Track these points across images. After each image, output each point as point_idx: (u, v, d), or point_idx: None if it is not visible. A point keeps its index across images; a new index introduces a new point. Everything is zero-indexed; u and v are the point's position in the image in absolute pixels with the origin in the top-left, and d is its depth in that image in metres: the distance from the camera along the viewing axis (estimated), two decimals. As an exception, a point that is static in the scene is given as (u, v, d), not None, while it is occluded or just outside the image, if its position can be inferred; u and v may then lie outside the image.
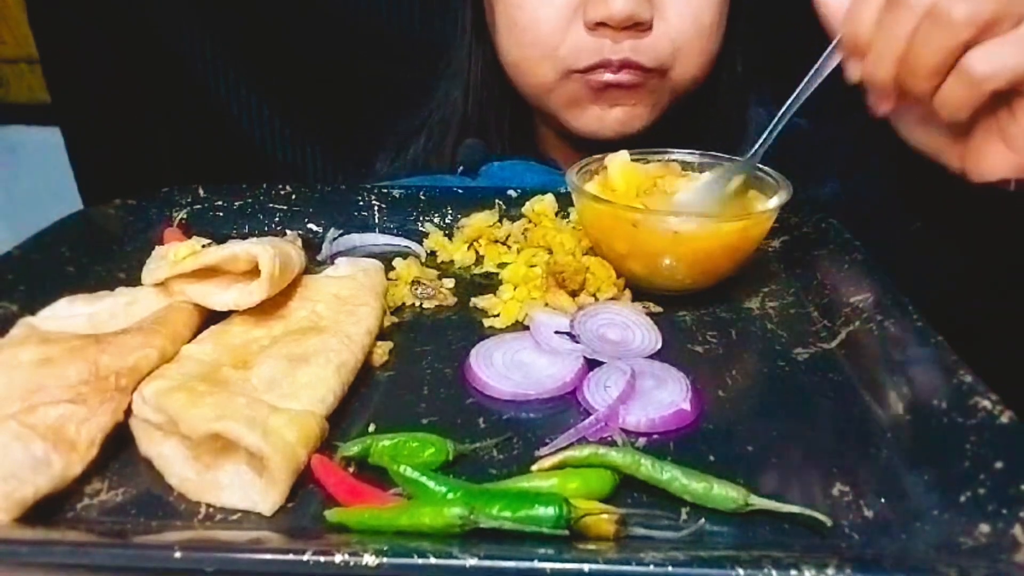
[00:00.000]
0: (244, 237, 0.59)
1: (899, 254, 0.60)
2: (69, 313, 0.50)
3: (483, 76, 0.81)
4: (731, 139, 0.75)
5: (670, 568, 0.31)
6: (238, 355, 0.46)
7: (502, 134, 0.83)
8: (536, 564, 0.31)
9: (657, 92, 0.72)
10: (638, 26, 0.67)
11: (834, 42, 0.50)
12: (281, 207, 0.70)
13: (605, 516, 0.35)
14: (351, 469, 0.40)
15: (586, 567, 0.31)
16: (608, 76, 0.69)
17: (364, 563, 0.31)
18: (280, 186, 0.71)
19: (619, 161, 0.61)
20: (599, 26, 0.67)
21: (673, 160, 0.63)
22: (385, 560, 0.31)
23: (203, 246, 0.53)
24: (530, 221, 0.67)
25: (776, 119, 0.55)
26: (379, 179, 0.86)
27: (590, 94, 0.71)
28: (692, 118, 0.76)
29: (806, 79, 0.53)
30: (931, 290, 0.53)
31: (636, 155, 0.63)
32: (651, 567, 0.31)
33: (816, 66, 0.52)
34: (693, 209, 0.57)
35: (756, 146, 0.57)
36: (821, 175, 0.75)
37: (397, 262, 0.61)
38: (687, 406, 0.44)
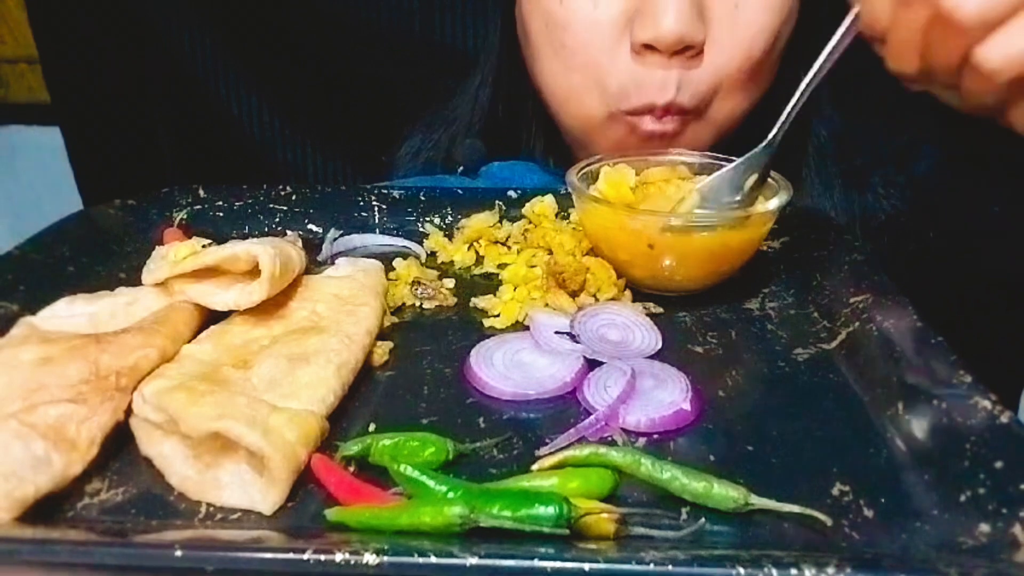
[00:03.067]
0: (244, 237, 0.59)
1: (911, 264, 0.59)
2: (69, 313, 0.50)
3: (513, 88, 0.78)
4: (791, 161, 0.72)
5: (670, 567, 0.31)
6: (238, 355, 0.46)
7: (531, 145, 0.81)
8: (536, 563, 0.31)
9: (698, 137, 0.67)
10: (688, 51, 0.62)
11: (849, 17, 0.47)
12: (281, 207, 0.70)
13: (605, 515, 0.35)
14: (351, 468, 0.40)
15: (586, 566, 0.31)
16: (652, 126, 0.65)
17: (364, 562, 0.31)
18: (280, 186, 0.71)
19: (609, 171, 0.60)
20: (646, 49, 0.62)
21: (672, 161, 0.63)
22: (385, 559, 0.31)
23: (203, 246, 0.53)
24: (530, 222, 0.67)
25: (793, 102, 0.53)
26: (401, 172, 0.85)
27: (635, 142, 0.67)
28: (749, 140, 0.73)
29: (823, 56, 0.50)
30: (939, 294, 0.52)
31: (638, 157, 0.63)
32: (651, 566, 0.31)
33: (832, 44, 0.49)
34: (693, 209, 0.57)
35: (773, 132, 0.55)
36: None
37: (397, 262, 0.61)
38: (687, 406, 0.44)
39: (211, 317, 0.50)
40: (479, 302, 0.57)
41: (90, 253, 0.60)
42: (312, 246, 0.64)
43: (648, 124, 0.65)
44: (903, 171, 0.72)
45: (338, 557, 0.31)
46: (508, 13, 0.74)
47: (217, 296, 0.50)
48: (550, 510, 0.34)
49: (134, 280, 0.54)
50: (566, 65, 0.67)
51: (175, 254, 0.52)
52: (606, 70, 0.64)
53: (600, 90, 0.66)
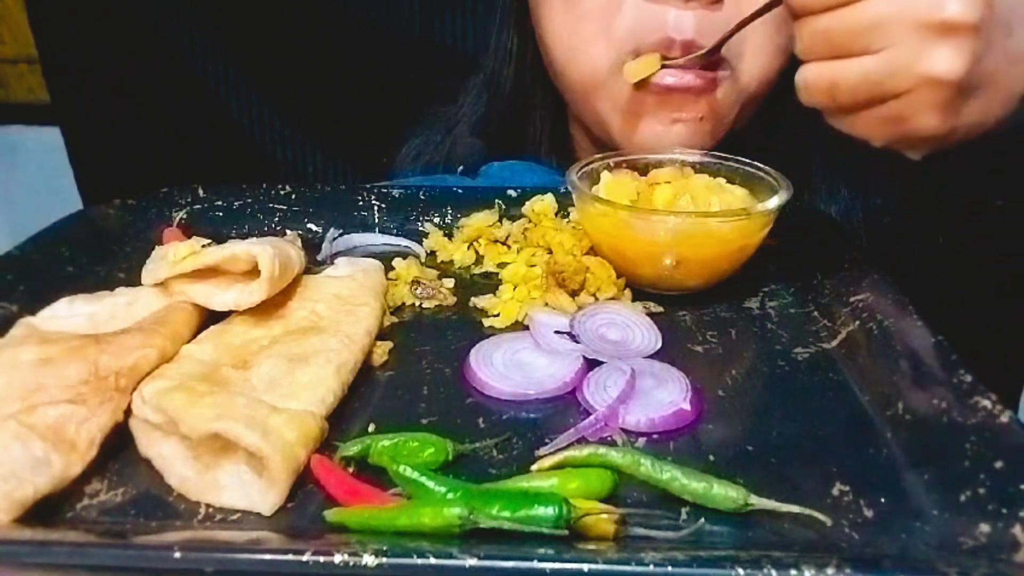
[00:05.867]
0: (244, 237, 0.59)
1: (913, 265, 0.59)
2: (69, 313, 0.50)
3: (519, 81, 0.78)
4: (797, 159, 0.70)
5: (670, 568, 0.31)
6: (238, 355, 0.46)
7: (538, 142, 0.80)
8: (536, 564, 0.31)
9: (725, 101, 0.65)
10: None
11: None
12: (281, 207, 0.70)
13: (605, 516, 0.35)
14: (351, 469, 0.40)
15: (586, 567, 0.31)
16: (670, 80, 0.62)
17: (364, 563, 0.31)
18: (280, 186, 0.71)
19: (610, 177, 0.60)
20: None
21: (672, 160, 0.63)
22: (385, 560, 0.31)
23: (203, 246, 0.53)
24: (530, 221, 0.67)
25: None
26: (401, 174, 0.85)
27: (651, 100, 0.64)
28: (757, 137, 0.70)
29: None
30: (939, 294, 0.52)
31: (639, 157, 0.63)
32: (651, 567, 0.31)
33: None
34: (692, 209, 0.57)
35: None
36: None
37: (397, 262, 0.61)
38: (687, 406, 0.44)
39: (211, 317, 0.50)
40: (479, 302, 0.57)
41: (90, 253, 0.60)
42: (312, 246, 0.64)
43: (665, 80, 0.62)
44: (913, 176, 0.72)
45: (337, 558, 0.31)
46: None
47: (217, 296, 0.50)
48: (549, 511, 0.34)
49: (134, 280, 0.54)
50: (574, 15, 0.66)
51: (175, 254, 0.52)
52: (614, 15, 0.63)
53: (607, 37, 0.64)
